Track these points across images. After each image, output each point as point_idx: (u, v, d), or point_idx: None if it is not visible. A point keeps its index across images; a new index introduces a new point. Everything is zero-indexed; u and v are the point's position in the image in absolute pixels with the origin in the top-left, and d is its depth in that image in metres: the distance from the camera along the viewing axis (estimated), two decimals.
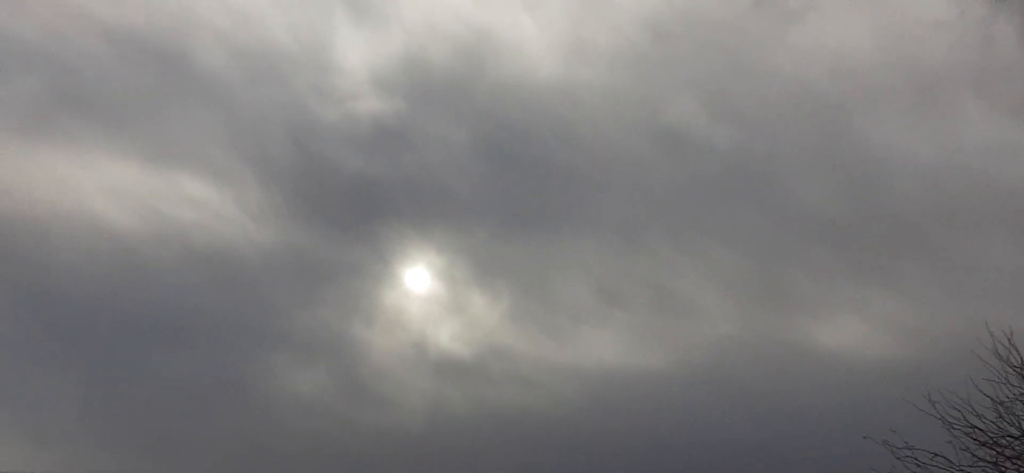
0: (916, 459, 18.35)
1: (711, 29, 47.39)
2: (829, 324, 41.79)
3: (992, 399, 18.42)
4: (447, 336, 42.88)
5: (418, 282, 44.56)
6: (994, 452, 18.24)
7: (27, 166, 43.29)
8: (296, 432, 38.18)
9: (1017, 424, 18.29)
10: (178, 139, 45.66)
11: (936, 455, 18.34)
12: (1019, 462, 18.17)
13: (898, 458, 18.39)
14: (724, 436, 36.36)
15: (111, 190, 43.64)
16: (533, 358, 42.06)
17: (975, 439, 18.35)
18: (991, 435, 18.18)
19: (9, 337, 38.87)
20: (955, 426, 18.30)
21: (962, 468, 18.40)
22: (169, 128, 45.68)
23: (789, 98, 46.48)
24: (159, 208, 43.82)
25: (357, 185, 45.59)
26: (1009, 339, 18.73)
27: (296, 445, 37.37)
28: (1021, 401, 18.47)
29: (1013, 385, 18.56)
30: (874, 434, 19.14)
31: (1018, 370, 18.56)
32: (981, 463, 18.45)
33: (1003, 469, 18.28)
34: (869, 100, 45.82)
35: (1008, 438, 18.23)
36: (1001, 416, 18.38)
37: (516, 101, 47.75)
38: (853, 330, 41.29)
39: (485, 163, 46.67)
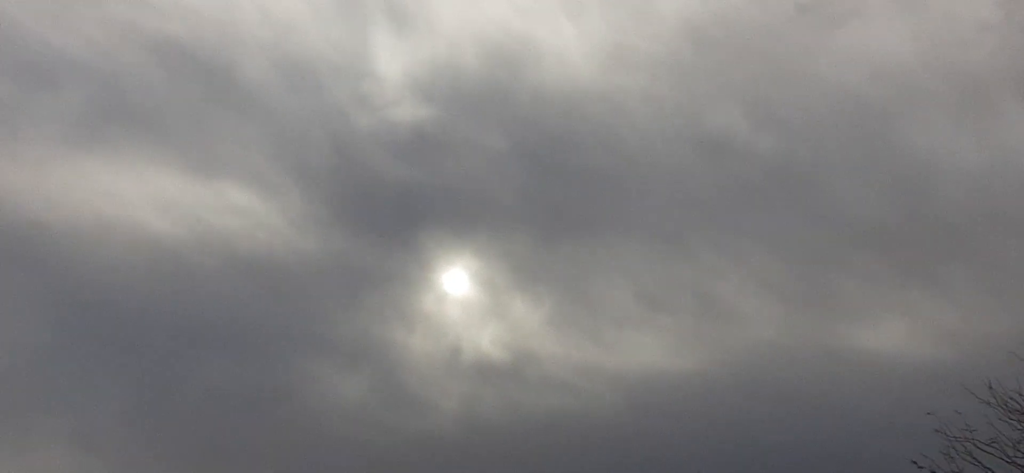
0: (974, 442, 18.24)
1: (752, 35, 47.35)
2: (873, 328, 41.53)
3: None
4: (488, 341, 43.00)
5: (459, 288, 44.75)
6: None
7: (74, 177, 43.98)
8: (339, 436, 38.37)
9: None
10: (222, 149, 46.28)
11: None
12: None
13: (952, 442, 18.29)
14: (766, 439, 36.16)
15: (157, 200, 44.22)
16: (575, 362, 42.09)
17: None
18: None
19: (57, 344, 39.38)
20: (1012, 416, 18.22)
21: (1016, 460, 18.29)
22: (213, 138, 46.31)
23: (831, 103, 46.37)
24: (204, 217, 44.33)
25: (398, 192, 45.91)
26: None
27: (339, 449, 37.56)
28: None
29: None
30: (921, 434, 19.10)
31: None
32: None
33: None
34: (912, 104, 45.61)
35: None
36: None
37: (557, 108, 47.91)
38: (898, 333, 41.00)
39: (526, 169, 46.84)
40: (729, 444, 36.30)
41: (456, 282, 44.88)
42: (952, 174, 43.61)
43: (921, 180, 44.25)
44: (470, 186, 46.63)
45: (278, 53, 47.48)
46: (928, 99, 45.04)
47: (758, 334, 42.17)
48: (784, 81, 46.91)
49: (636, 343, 42.89)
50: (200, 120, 46.21)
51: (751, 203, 45.77)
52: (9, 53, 44.35)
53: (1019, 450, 18.35)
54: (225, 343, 40.73)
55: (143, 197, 44.18)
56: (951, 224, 42.80)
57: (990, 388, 18.58)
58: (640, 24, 48.08)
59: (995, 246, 41.16)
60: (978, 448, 18.25)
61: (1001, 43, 41.30)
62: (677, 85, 47.86)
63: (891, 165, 45.06)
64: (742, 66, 47.36)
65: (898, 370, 38.53)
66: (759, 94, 46.98)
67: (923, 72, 45.12)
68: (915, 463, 18.63)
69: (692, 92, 47.67)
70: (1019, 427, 18.39)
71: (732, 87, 47.36)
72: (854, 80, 45.88)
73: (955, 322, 39.61)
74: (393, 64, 48.08)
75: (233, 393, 38.87)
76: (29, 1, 45.40)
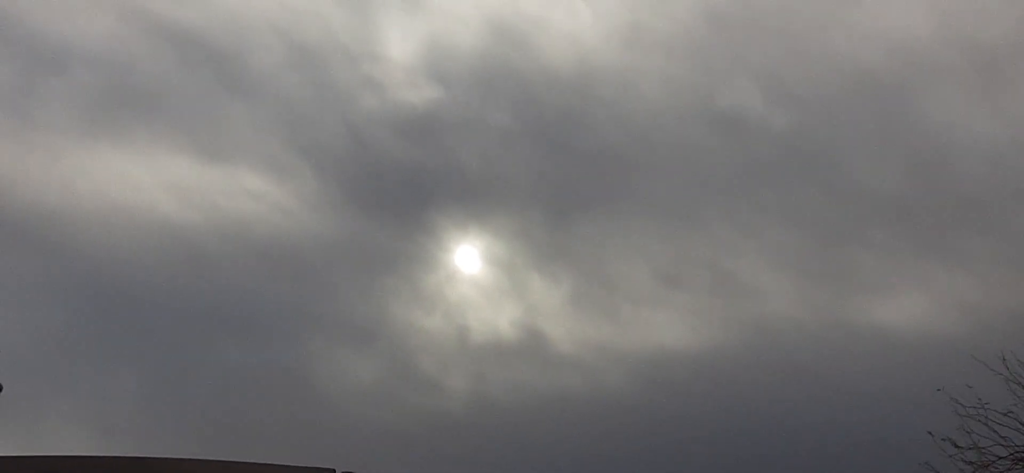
0: (986, 416, 17.96)
1: (767, 12, 46.99)
2: (891, 302, 41.47)
3: None
4: (506, 321, 43.10)
5: (475, 268, 44.83)
6: None
7: (90, 163, 44.21)
8: (353, 415, 38.55)
9: None
10: (234, 133, 46.38)
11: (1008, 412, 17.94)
12: None
13: (964, 414, 18.01)
14: (784, 415, 36.12)
15: (172, 185, 44.39)
16: (592, 341, 42.13)
17: None
18: None
19: (75, 329, 39.68)
20: None
21: None
22: (225, 123, 46.41)
23: (847, 79, 46.01)
24: (216, 201, 44.52)
25: (410, 173, 45.92)
26: None
27: (353, 428, 37.69)
28: None
29: None
30: (939, 408, 18.87)
31: None
32: None
33: None
34: (929, 78, 45.23)
35: None
36: None
37: (573, 88, 47.74)
38: (915, 307, 40.89)
39: (542, 149, 46.76)
40: (747, 420, 36.33)
41: (474, 263, 44.97)
42: (969, 148, 43.31)
43: (938, 154, 44.00)
44: (481, 166, 46.68)
45: (288, 37, 47.54)
46: (945, 73, 44.69)
47: (775, 310, 42.17)
48: (799, 57, 46.61)
49: (653, 321, 42.93)
50: (212, 105, 46.41)
51: (767, 179, 45.69)
52: (21, 40, 44.68)
53: None
54: (238, 325, 41.06)
55: (156, 182, 44.43)
56: (968, 197, 42.64)
57: (1003, 360, 18.30)
58: (654, 3, 47.84)
59: (1014, 218, 40.94)
60: (992, 419, 17.97)
61: (1019, 16, 40.87)
62: (692, 62, 47.62)
63: (908, 140, 44.89)
64: (757, 42, 47.09)
65: (916, 344, 38.50)
66: (774, 70, 46.71)
67: (939, 46, 44.74)
68: (930, 433, 18.34)
69: (707, 69, 47.42)
70: None
71: (747, 64, 47.12)
72: (870, 55, 45.59)
73: (973, 296, 39.46)
74: (403, 45, 48.03)
75: (247, 374, 39.11)
76: None
